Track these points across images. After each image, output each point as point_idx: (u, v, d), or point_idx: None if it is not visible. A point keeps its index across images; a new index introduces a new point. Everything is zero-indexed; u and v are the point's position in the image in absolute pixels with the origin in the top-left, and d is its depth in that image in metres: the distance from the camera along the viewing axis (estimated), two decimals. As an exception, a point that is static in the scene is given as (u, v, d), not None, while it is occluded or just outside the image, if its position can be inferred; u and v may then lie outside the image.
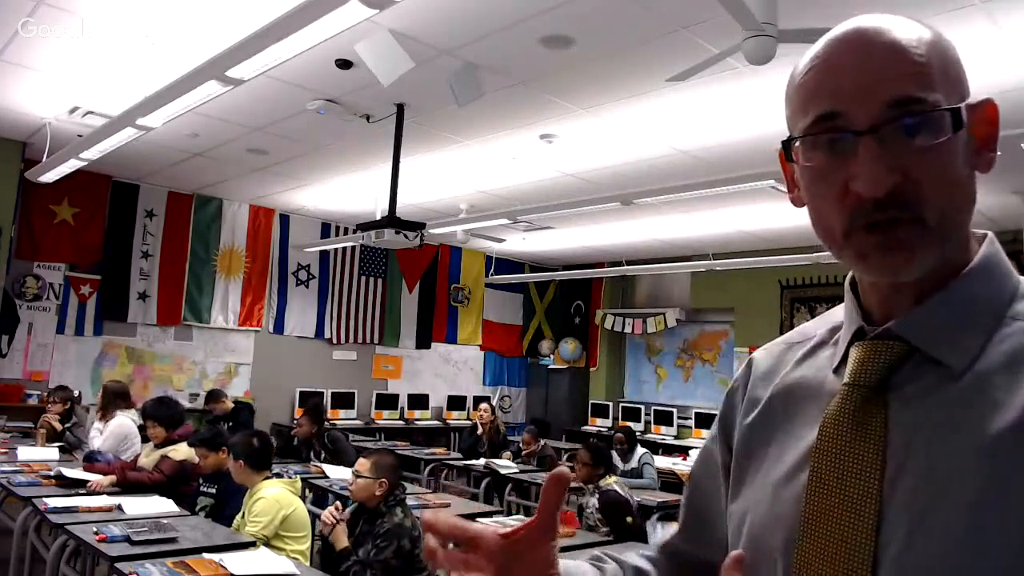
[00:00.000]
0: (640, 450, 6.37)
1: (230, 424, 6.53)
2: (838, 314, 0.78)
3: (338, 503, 3.39)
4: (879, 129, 0.63)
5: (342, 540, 3.14)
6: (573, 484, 5.12)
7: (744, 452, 0.79)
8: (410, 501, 3.49)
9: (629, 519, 4.21)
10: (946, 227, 0.64)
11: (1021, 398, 0.60)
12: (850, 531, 0.63)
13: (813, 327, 0.81)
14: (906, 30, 0.65)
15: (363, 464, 3.30)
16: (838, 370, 0.72)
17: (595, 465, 4.42)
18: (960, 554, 0.57)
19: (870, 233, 0.64)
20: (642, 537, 4.20)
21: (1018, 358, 0.62)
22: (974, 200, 0.67)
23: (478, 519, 3.85)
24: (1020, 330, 0.64)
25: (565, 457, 8.36)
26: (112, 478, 4.07)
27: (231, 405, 6.86)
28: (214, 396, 6.86)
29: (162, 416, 4.46)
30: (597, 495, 4.36)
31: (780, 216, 7.10)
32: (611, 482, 4.44)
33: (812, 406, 0.72)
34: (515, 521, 4.05)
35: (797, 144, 0.68)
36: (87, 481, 4.06)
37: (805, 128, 0.67)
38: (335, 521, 3.18)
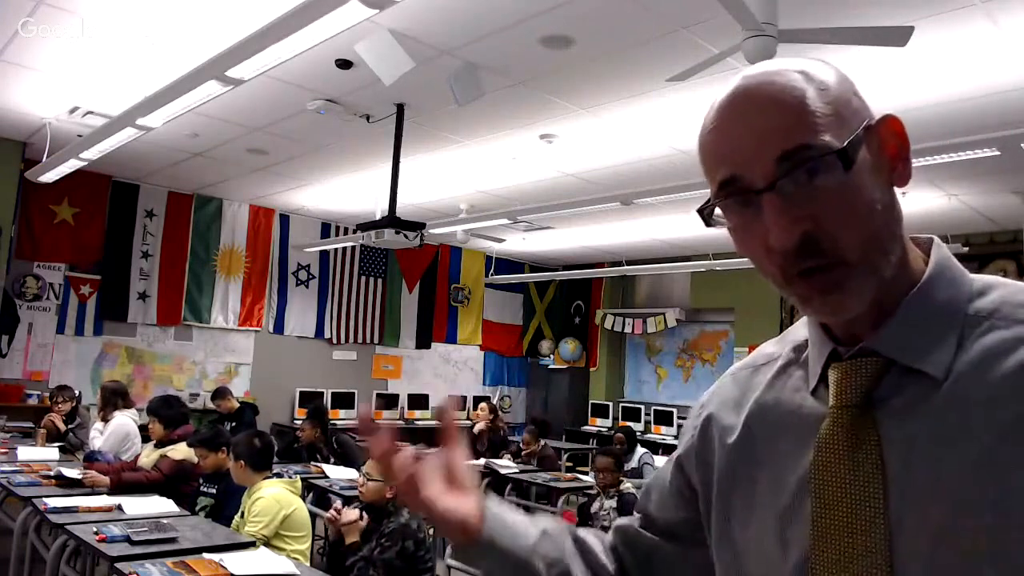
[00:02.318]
0: (640, 450, 6.40)
1: (234, 424, 6.53)
2: (799, 331, 0.80)
3: (338, 503, 3.37)
4: (775, 184, 0.65)
5: (353, 535, 3.14)
6: (590, 490, 5.13)
7: (729, 478, 0.78)
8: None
9: None
10: (872, 258, 0.66)
11: (1003, 394, 0.62)
12: (863, 552, 0.64)
13: (775, 348, 0.82)
14: (786, 79, 0.67)
15: (375, 466, 3.28)
16: (816, 392, 0.73)
17: (617, 471, 4.48)
18: (983, 561, 0.58)
19: (804, 279, 0.67)
20: None
21: (990, 355, 0.64)
22: (899, 218, 0.70)
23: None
24: (985, 328, 0.66)
25: (566, 457, 8.38)
26: (105, 480, 4.04)
27: (236, 404, 6.87)
28: (220, 394, 6.87)
29: (164, 414, 4.47)
30: (616, 498, 4.38)
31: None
32: (629, 487, 4.48)
33: (795, 431, 0.73)
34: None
35: (714, 209, 0.71)
36: (84, 478, 4.06)
37: (714, 194, 0.71)
38: (354, 517, 3.17)
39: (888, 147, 0.69)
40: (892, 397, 0.67)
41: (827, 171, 0.65)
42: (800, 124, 0.65)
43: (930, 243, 0.73)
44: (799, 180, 0.65)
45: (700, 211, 0.72)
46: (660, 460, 7.37)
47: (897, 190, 0.70)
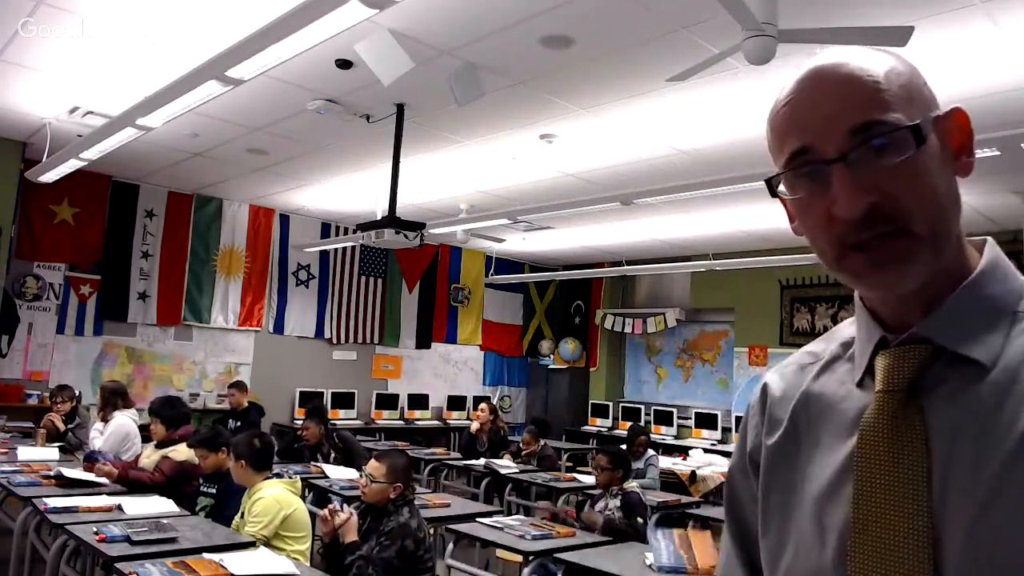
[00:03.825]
0: (648, 452, 6.39)
1: (239, 424, 6.55)
2: (845, 330, 0.80)
3: (335, 503, 3.36)
4: (847, 156, 0.67)
5: (351, 534, 3.13)
6: (590, 489, 5.13)
7: (769, 475, 0.78)
8: (411, 501, 3.48)
9: (640, 520, 4.24)
10: (937, 234, 0.67)
11: None
12: (904, 536, 0.64)
13: (821, 347, 0.82)
14: (862, 60, 0.70)
15: (377, 468, 3.26)
16: (862, 383, 0.74)
17: (614, 469, 4.43)
18: (1015, 561, 0.59)
19: (859, 252, 0.68)
20: (641, 538, 4.21)
21: None
22: (958, 205, 0.71)
23: (478, 519, 3.81)
24: None
25: (566, 457, 8.37)
26: (114, 472, 4.07)
27: (246, 403, 6.90)
28: (238, 385, 6.99)
29: (166, 415, 4.47)
30: (620, 497, 4.37)
31: (780, 216, 6.98)
32: (633, 486, 4.46)
33: (839, 419, 0.74)
34: (514, 521, 4.07)
35: (780, 181, 0.74)
36: (88, 481, 4.06)
37: (783, 165, 0.73)
38: (346, 516, 3.15)
39: (953, 139, 0.71)
40: (939, 385, 0.67)
41: (897, 147, 0.67)
42: (873, 101, 0.68)
43: (983, 243, 0.74)
44: (870, 153, 0.67)
45: (768, 181, 0.74)
46: (664, 461, 7.36)
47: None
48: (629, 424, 8.30)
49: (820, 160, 0.68)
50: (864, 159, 0.67)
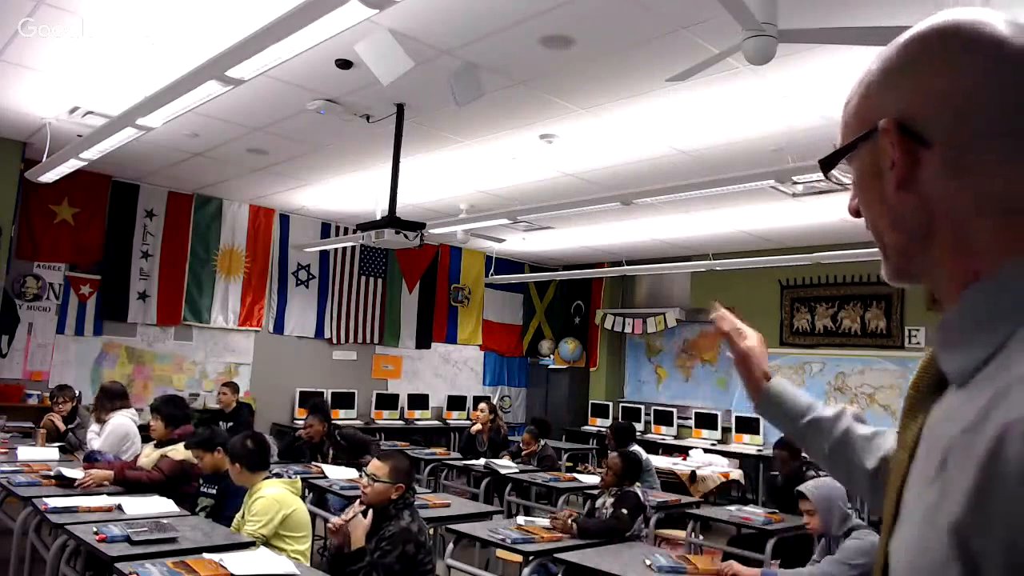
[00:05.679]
0: (631, 446, 6.02)
1: (231, 424, 6.56)
2: None
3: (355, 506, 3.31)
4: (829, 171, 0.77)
5: (360, 539, 3.11)
6: (590, 489, 5.08)
7: None
8: (410, 501, 3.48)
9: (625, 512, 4.16)
10: (886, 245, 0.71)
11: (966, 417, 0.57)
12: (886, 533, 0.67)
13: None
14: (872, 67, 0.72)
15: (380, 468, 3.23)
16: None
17: (623, 476, 4.43)
18: (908, 554, 0.61)
19: None
20: (624, 529, 4.11)
21: (1003, 386, 0.55)
22: (908, 218, 0.67)
23: (478, 520, 3.79)
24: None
25: (566, 457, 8.37)
26: (109, 474, 4.07)
27: (234, 402, 6.92)
28: (229, 386, 7.02)
29: (167, 412, 4.48)
30: (618, 496, 4.35)
31: (780, 216, 7.09)
32: (635, 486, 4.45)
33: None
34: (518, 520, 4.07)
35: None
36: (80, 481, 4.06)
37: None
38: (350, 516, 3.13)
39: (880, 156, 0.68)
40: (947, 391, 0.65)
41: (848, 164, 0.73)
42: (845, 123, 0.74)
43: None
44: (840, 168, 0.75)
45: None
46: (660, 460, 7.36)
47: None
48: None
49: None
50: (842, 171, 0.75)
